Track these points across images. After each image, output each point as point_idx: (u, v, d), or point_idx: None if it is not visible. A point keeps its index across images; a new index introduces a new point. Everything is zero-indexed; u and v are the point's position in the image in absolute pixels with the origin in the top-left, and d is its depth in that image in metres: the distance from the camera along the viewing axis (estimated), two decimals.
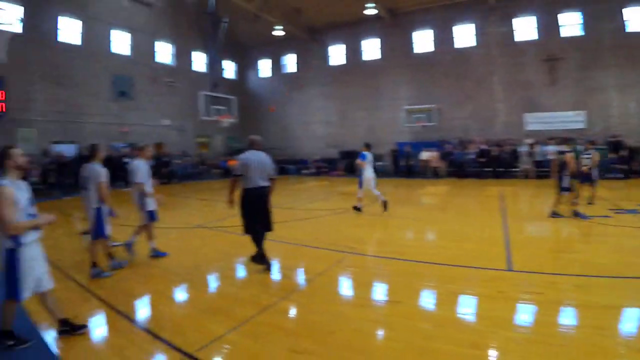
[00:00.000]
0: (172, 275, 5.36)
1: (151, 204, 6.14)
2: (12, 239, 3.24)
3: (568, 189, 8.65)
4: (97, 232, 5.28)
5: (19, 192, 3.32)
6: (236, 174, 5.36)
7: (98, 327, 3.86)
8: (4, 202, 3.13)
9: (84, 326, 3.68)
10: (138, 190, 6.05)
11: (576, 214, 8.69)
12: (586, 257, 5.83)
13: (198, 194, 16.03)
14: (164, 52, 23.96)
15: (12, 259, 3.26)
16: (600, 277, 4.84)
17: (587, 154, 9.41)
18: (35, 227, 3.40)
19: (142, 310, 4.34)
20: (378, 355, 3.18)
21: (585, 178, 9.48)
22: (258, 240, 5.52)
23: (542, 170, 18.23)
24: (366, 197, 10.36)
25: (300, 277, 5.44)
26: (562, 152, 8.93)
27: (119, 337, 3.59)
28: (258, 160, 5.35)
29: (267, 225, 5.55)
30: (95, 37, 19.99)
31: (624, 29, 19.02)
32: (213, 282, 5.29)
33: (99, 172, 5.17)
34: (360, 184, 9.99)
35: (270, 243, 7.22)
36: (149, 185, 6.15)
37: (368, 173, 9.91)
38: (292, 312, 4.13)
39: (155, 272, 5.42)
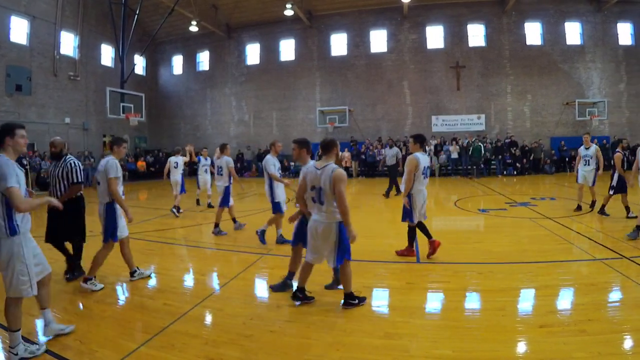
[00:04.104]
0: (75, 289, 4.83)
1: (279, 195, 6.70)
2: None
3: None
4: None
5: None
6: (80, 182, 5.19)
7: None
8: (344, 183, 3.79)
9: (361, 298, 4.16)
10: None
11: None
12: (486, 246, 6.40)
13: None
14: (68, 44, 21.70)
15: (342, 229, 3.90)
16: (499, 264, 5.36)
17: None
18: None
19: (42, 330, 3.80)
20: (295, 355, 3.17)
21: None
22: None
23: (446, 168, 20.03)
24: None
25: (215, 281, 5.30)
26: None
27: None
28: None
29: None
30: None
31: (525, 42, 21.48)
32: (122, 294, 4.89)
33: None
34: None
35: (185, 248, 6.96)
36: None
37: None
38: (208, 318, 3.96)
39: (56, 288, 4.83)
